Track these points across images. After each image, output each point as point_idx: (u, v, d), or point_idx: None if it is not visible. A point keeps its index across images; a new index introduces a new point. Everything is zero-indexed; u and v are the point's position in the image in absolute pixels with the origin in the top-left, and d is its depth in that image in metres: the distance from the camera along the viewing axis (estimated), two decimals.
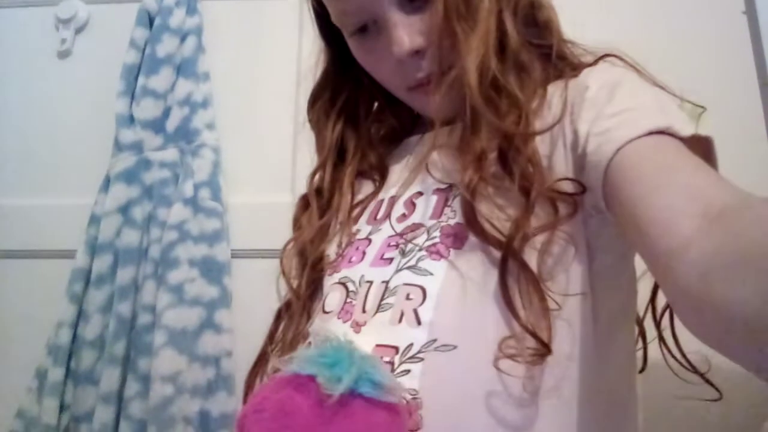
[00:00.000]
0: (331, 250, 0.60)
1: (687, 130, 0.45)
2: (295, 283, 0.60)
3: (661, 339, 0.57)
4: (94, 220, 1.07)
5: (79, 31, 1.25)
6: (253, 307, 1.01)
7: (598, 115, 0.49)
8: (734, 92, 0.93)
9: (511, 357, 0.44)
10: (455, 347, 0.46)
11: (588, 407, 0.48)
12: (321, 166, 0.66)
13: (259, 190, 1.09)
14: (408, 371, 0.45)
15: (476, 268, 0.49)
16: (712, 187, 0.39)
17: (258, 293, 1.02)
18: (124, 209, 1.05)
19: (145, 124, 1.08)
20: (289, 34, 1.14)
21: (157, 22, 1.13)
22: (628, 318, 0.56)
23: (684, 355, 0.56)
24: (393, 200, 0.58)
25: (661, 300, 0.57)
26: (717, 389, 0.57)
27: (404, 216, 0.55)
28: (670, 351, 0.57)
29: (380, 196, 0.61)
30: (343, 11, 0.58)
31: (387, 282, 0.51)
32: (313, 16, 0.66)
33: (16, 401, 0.99)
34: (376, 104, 0.69)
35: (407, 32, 0.54)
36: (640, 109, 0.48)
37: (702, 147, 0.46)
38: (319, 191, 0.65)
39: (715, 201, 0.37)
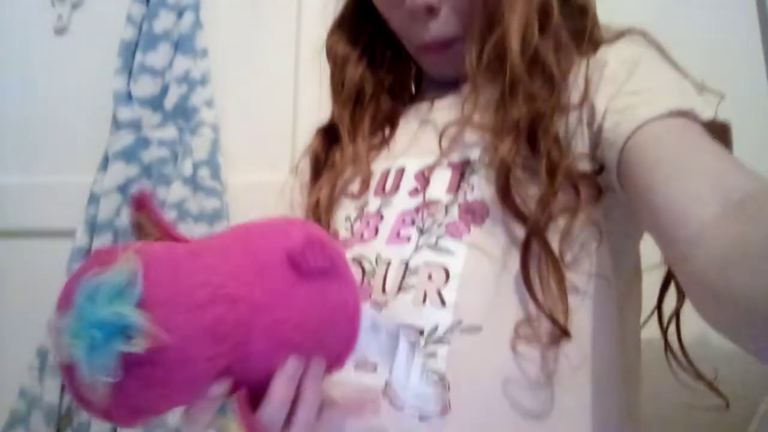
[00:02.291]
0: (339, 218, 0.57)
1: (707, 114, 0.44)
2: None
3: (667, 345, 0.55)
4: (94, 199, 1.06)
5: (75, 7, 1.23)
6: None
7: (618, 91, 0.47)
8: (740, 69, 0.92)
9: (528, 338, 0.44)
10: (480, 329, 0.45)
11: (605, 386, 0.47)
12: (344, 104, 0.63)
13: (258, 169, 1.08)
14: (434, 354, 0.45)
15: (498, 246, 0.48)
16: (733, 174, 0.38)
17: None
18: (124, 188, 1.04)
19: (143, 102, 1.07)
20: (288, 9, 1.12)
21: None
22: (636, 299, 0.56)
23: (691, 363, 0.54)
24: (401, 172, 0.56)
25: (667, 306, 0.55)
26: (724, 397, 0.53)
27: (416, 191, 0.53)
28: (675, 357, 0.55)
29: (386, 164, 0.59)
30: None
31: (407, 261, 0.49)
32: None
33: (18, 380, 0.99)
34: (389, 53, 0.66)
35: None
36: (661, 89, 0.46)
37: (718, 133, 0.44)
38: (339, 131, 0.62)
39: (735, 188, 0.36)
